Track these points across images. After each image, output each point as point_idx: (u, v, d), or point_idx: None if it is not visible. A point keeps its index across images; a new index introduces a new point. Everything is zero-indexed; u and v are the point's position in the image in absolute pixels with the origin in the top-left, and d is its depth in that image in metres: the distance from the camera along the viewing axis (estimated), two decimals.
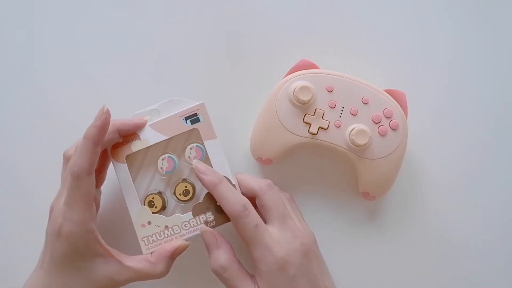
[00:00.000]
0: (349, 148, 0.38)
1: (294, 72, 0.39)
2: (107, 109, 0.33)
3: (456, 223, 0.43)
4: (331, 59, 0.42)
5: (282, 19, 0.43)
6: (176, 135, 0.36)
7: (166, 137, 0.36)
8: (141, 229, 0.36)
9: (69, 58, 0.43)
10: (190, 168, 0.37)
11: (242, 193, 0.36)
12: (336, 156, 0.40)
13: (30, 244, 0.40)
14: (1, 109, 0.43)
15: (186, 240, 0.36)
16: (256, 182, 0.36)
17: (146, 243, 0.36)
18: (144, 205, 0.36)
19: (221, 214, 0.36)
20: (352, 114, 0.38)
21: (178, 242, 0.36)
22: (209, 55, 0.43)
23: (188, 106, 0.37)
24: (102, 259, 0.34)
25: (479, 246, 0.43)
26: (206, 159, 0.36)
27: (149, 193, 0.37)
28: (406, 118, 0.39)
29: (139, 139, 0.36)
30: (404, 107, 0.39)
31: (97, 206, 0.39)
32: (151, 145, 0.36)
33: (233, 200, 0.34)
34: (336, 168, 0.42)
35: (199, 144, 0.37)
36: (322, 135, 0.38)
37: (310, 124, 0.38)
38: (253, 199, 0.36)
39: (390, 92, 0.39)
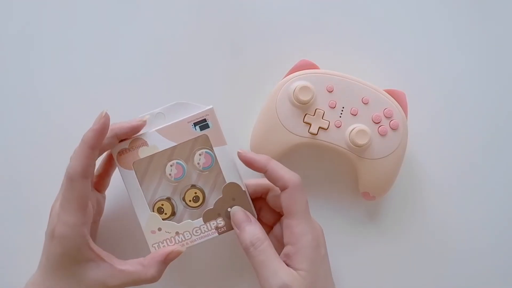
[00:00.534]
0: (349, 148, 0.38)
1: (294, 72, 0.39)
2: (106, 113, 0.33)
3: (456, 223, 0.43)
4: (331, 59, 0.42)
5: (282, 19, 0.43)
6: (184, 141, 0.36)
7: (174, 143, 0.35)
8: (151, 235, 0.35)
9: (68, 63, 0.43)
10: (198, 174, 0.36)
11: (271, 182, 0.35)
12: (336, 156, 0.40)
13: (31, 245, 0.40)
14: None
15: (192, 245, 0.36)
16: (290, 175, 0.35)
17: (157, 249, 0.36)
18: (154, 211, 0.36)
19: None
20: (352, 114, 0.38)
21: (172, 247, 0.35)
22: (209, 56, 0.43)
23: (196, 111, 0.35)
24: (93, 263, 0.33)
25: (478, 246, 0.43)
26: (215, 165, 0.36)
27: (157, 199, 0.36)
28: (406, 118, 0.39)
29: (147, 145, 0.35)
30: (404, 107, 0.39)
31: (101, 211, 0.38)
32: (159, 151, 0.35)
33: (290, 172, 0.34)
34: (336, 168, 0.42)
35: (208, 150, 0.36)
36: (322, 135, 0.38)
37: (310, 124, 0.38)
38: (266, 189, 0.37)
39: (390, 92, 0.39)
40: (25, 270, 0.36)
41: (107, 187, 0.39)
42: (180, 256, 0.35)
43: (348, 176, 0.42)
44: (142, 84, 0.43)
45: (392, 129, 0.38)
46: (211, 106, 0.36)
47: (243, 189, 0.36)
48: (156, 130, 0.35)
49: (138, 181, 0.35)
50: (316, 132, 0.38)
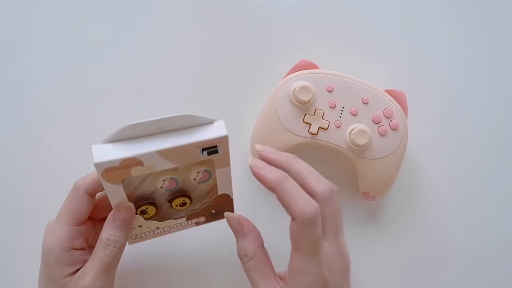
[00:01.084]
0: (349, 148, 0.38)
1: (294, 72, 0.39)
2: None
3: (456, 223, 0.43)
4: (331, 59, 0.42)
5: (283, 19, 0.43)
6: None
7: (175, 165, 0.30)
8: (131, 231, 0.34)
9: (66, 66, 0.43)
10: (190, 185, 0.33)
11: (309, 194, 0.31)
12: (336, 156, 0.40)
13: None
14: None
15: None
16: (319, 185, 0.31)
17: (134, 239, 0.35)
18: (136, 214, 0.33)
19: (213, 218, 0.36)
20: (352, 114, 0.38)
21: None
22: (209, 56, 0.43)
23: (204, 128, 0.29)
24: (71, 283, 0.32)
25: (478, 246, 0.43)
26: (212, 180, 0.33)
27: (142, 203, 0.33)
28: (406, 118, 0.39)
29: (142, 165, 0.29)
30: (404, 107, 0.39)
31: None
32: (156, 171, 0.30)
33: (303, 199, 0.30)
34: (336, 168, 0.42)
35: (208, 169, 0.32)
36: (322, 135, 0.38)
37: (310, 124, 0.38)
38: None
39: (390, 92, 0.39)
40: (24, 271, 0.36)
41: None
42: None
43: (348, 176, 0.42)
44: (141, 84, 0.43)
45: (392, 129, 0.38)
46: (225, 134, 0.29)
47: (232, 197, 0.35)
48: (156, 152, 0.28)
49: (126, 196, 0.31)
50: (316, 132, 0.38)
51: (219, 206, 0.35)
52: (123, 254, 0.33)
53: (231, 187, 0.34)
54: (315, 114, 0.38)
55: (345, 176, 0.42)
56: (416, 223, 0.42)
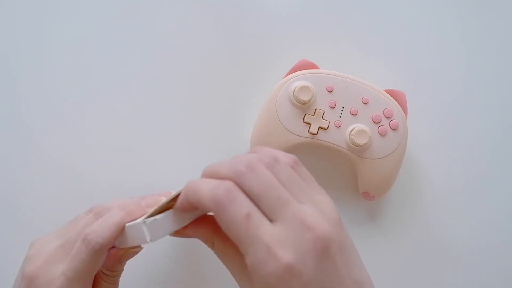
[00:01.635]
0: (349, 148, 0.38)
1: (294, 72, 0.39)
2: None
3: (456, 223, 0.43)
4: (331, 59, 0.42)
5: (282, 19, 0.43)
6: None
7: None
8: None
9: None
10: None
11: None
12: (336, 156, 0.40)
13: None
14: None
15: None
16: (229, 168, 0.26)
17: None
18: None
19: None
20: (352, 114, 0.38)
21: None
22: (209, 56, 0.43)
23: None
24: None
25: (479, 246, 0.42)
26: None
27: None
28: (406, 118, 0.39)
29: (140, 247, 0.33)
30: (404, 107, 0.39)
31: None
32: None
33: (209, 185, 0.25)
34: (336, 168, 0.42)
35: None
36: (322, 135, 0.38)
37: (310, 124, 0.38)
38: None
39: (390, 92, 0.39)
40: None
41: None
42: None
43: (348, 176, 0.42)
44: (140, 84, 0.43)
45: (392, 129, 0.38)
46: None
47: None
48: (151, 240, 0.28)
49: None
50: (316, 132, 0.38)
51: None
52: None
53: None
54: (315, 114, 0.38)
55: (345, 176, 0.42)
56: (416, 223, 0.42)
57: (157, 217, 0.28)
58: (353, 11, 0.43)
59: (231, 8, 0.43)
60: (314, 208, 0.26)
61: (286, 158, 0.28)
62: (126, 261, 0.33)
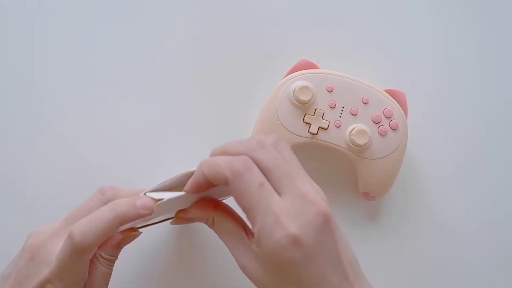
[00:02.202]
0: (349, 148, 0.38)
1: (294, 72, 0.39)
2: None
3: (457, 223, 0.43)
4: (331, 59, 0.42)
5: (282, 19, 0.43)
6: None
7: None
8: None
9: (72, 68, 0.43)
10: None
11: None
12: (336, 156, 0.40)
13: None
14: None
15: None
16: (242, 144, 0.28)
17: None
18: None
19: None
20: (352, 114, 0.38)
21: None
22: (209, 56, 0.43)
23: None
24: None
25: (480, 246, 0.42)
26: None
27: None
28: (406, 118, 0.39)
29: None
30: (404, 107, 0.39)
31: None
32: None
33: (225, 159, 0.27)
34: (336, 168, 0.42)
35: None
36: (322, 135, 0.38)
37: (310, 124, 0.38)
38: None
39: (390, 92, 0.39)
40: None
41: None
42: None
43: (348, 176, 0.42)
44: (139, 85, 0.43)
45: (392, 129, 0.38)
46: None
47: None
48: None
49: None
50: (316, 132, 0.38)
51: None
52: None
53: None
54: (315, 114, 0.38)
55: (345, 176, 0.42)
56: (416, 223, 0.42)
57: (165, 199, 0.28)
58: (353, 11, 0.43)
59: (231, 8, 0.43)
60: (312, 187, 0.28)
61: (285, 142, 0.30)
62: (125, 245, 0.32)
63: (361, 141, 0.37)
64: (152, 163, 0.42)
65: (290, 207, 0.26)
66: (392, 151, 0.38)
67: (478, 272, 0.42)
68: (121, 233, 0.32)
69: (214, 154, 0.29)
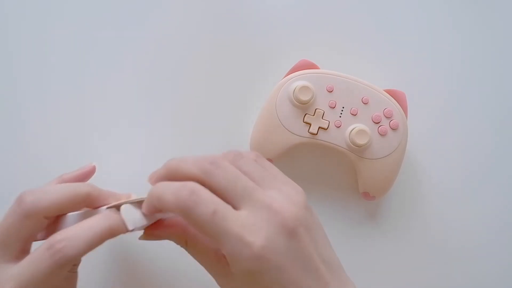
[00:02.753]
0: (349, 148, 0.38)
1: (294, 72, 0.39)
2: (94, 166, 0.32)
3: (457, 223, 0.43)
4: (331, 59, 0.42)
5: (282, 19, 0.43)
6: None
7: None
8: None
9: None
10: None
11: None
12: (336, 156, 0.40)
13: None
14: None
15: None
16: (195, 165, 0.27)
17: None
18: None
19: None
20: (352, 114, 0.38)
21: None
22: (209, 56, 0.43)
23: None
24: None
25: (479, 246, 0.43)
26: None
27: None
28: (406, 118, 0.39)
29: None
30: (404, 107, 0.39)
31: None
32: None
33: (171, 189, 0.26)
34: (336, 168, 0.42)
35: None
36: (322, 135, 0.38)
37: (310, 124, 0.38)
38: None
39: (390, 92, 0.39)
40: None
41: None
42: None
43: (348, 176, 0.42)
44: (139, 85, 0.43)
45: (392, 129, 0.38)
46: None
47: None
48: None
49: None
50: (316, 132, 0.38)
51: None
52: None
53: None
54: (315, 114, 0.38)
55: (345, 176, 0.42)
56: (416, 223, 0.42)
57: (133, 205, 0.29)
58: (354, 11, 0.43)
59: (231, 8, 0.43)
60: (280, 193, 0.27)
61: (249, 153, 0.29)
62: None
63: (361, 141, 0.37)
64: (152, 163, 0.42)
65: (253, 221, 0.26)
66: (392, 151, 0.38)
67: (478, 272, 0.42)
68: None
69: (167, 170, 0.29)
